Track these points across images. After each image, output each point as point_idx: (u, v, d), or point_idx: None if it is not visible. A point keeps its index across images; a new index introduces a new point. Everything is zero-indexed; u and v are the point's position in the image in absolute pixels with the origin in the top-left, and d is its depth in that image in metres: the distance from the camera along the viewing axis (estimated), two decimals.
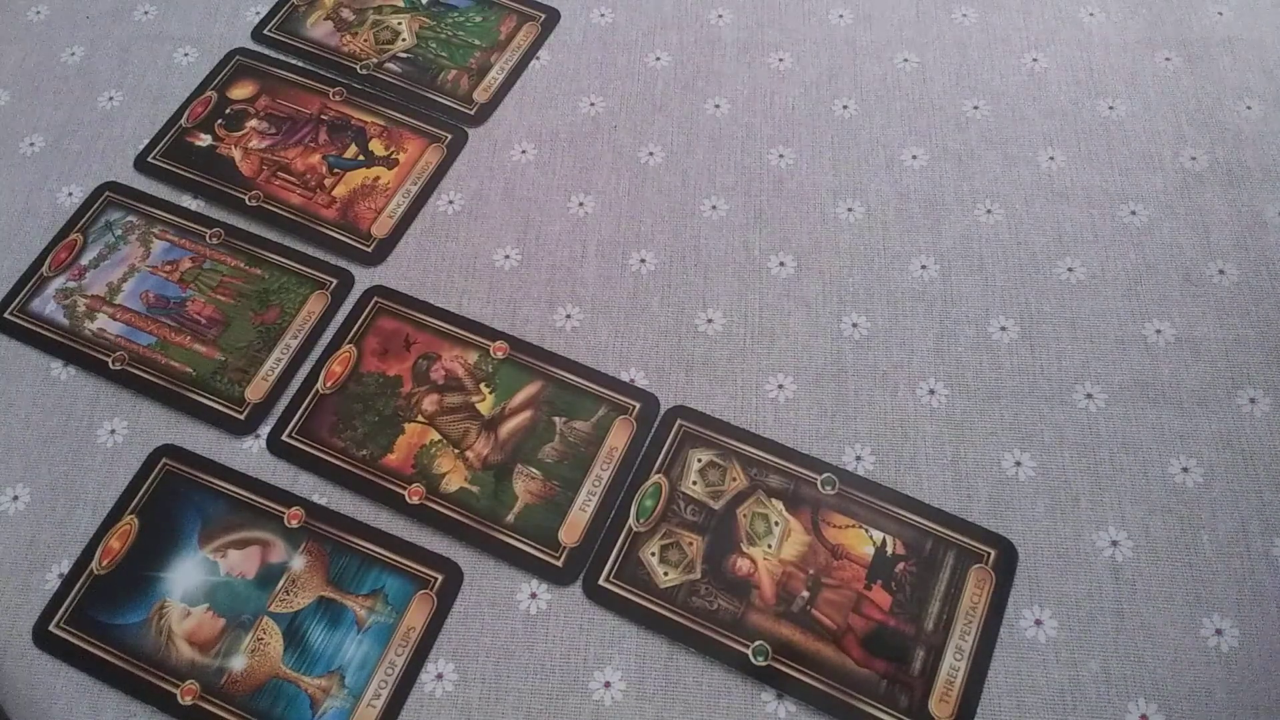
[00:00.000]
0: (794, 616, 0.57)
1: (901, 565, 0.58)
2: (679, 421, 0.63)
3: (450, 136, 0.75)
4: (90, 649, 0.57)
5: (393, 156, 0.74)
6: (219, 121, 0.76)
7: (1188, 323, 0.66)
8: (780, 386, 0.64)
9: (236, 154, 0.75)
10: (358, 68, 0.78)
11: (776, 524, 0.60)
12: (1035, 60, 0.77)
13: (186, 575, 0.59)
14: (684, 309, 0.67)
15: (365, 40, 0.80)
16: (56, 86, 0.79)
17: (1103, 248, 0.69)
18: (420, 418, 0.64)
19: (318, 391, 0.65)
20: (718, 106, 0.76)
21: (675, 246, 0.70)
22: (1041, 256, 0.69)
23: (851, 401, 0.64)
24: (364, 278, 0.69)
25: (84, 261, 0.70)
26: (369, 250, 0.70)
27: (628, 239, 0.70)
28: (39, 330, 0.68)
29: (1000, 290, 0.67)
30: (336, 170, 0.74)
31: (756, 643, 0.56)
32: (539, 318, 0.67)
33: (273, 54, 0.80)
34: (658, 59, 0.78)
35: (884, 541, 0.59)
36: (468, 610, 0.58)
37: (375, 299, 0.68)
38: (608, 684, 0.56)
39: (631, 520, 0.60)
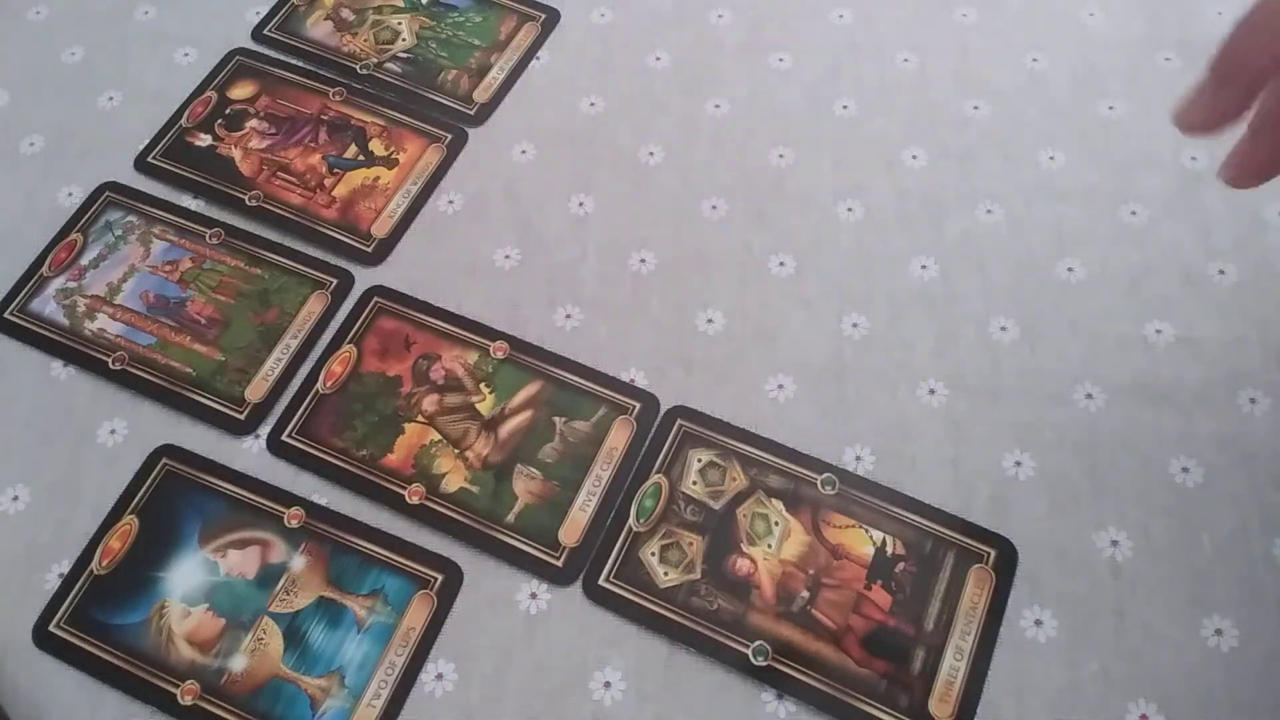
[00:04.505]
0: (794, 616, 0.57)
1: (901, 565, 0.58)
2: (679, 421, 0.63)
3: (450, 136, 0.75)
4: (90, 649, 0.57)
5: (393, 156, 0.74)
6: (219, 121, 0.76)
7: (1188, 323, 0.66)
8: (780, 386, 0.64)
9: (236, 154, 0.75)
10: (358, 68, 0.78)
11: (776, 524, 0.60)
12: (1035, 60, 0.77)
13: (186, 575, 0.59)
14: (684, 309, 0.67)
15: (365, 40, 0.80)
16: (56, 86, 0.79)
17: (1103, 248, 0.69)
18: (420, 418, 0.64)
19: (318, 391, 0.65)
20: (718, 106, 0.76)
21: (675, 246, 0.70)
22: (1041, 256, 0.69)
23: (851, 401, 0.64)
24: (364, 278, 0.69)
25: (84, 261, 0.70)
26: (369, 250, 0.70)
27: (628, 239, 0.70)
28: (39, 330, 0.68)
29: (1000, 290, 0.67)
30: (336, 170, 0.74)
31: (756, 643, 0.56)
32: (539, 318, 0.67)
33: (273, 54, 0.80)
34: (658, 59, 0.78)
35: (884, 541, 0.59)
36: (468, 610, 0.58)
37: (375, 299, 0.68)
38: (608, 684, 0.56)
39: (631, 520, 0.60)
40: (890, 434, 0.63)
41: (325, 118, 0.76)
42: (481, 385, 0.65)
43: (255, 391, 0.65)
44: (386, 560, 0.59)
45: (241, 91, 0.78)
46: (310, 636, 0.57)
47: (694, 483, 0.61)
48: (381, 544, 0.60)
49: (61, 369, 0.67)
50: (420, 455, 0.63)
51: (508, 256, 0.70)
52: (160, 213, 0.72)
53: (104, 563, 0.60)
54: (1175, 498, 0.60)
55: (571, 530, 0.60)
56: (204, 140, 0.75)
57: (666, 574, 0.59)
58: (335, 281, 0.69)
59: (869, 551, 0.59)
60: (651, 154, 0.74)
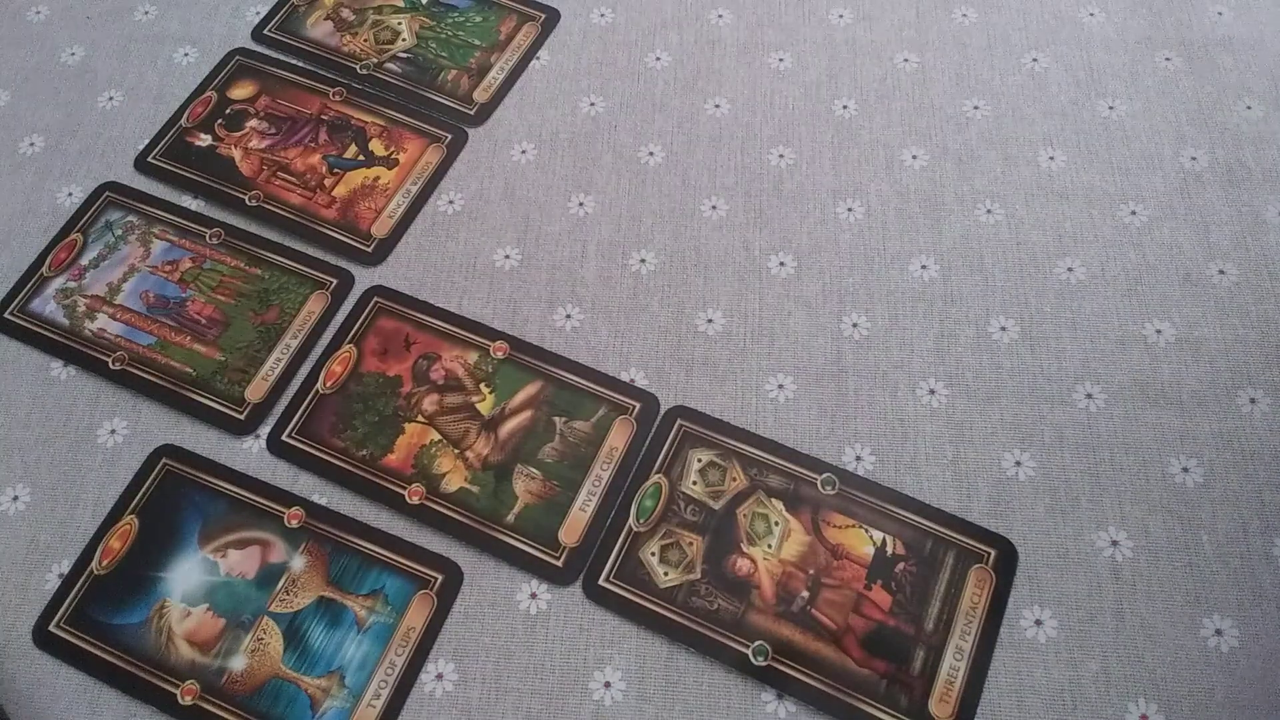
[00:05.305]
0: (794, 616, 0.57)
1: (901, 565, 0.58)
2: (679, 421, 0.63)
3: (450, 136, 0.75)
4: (90, 649, 0.57)
5: (393, 156, 0.74)
6: (219, 121, 0.76)
7: (1188, 323, 0.66)
8: (780, 386, 0.64)
9: (236, 154, 0.75)
10: (358, 68, 0.78)
11: (776, 524, 0.60)
12: (1035, 60, 0.77)
13: (186, 575, 0.59)
14: (684, 309, 0.67)
15: (365, 40, 0.80)
16: (56, 86, 0.79)
17: (1103, 248, 0.69)
18: (420, 418, 0.64)
19: (318, 391, 0.65)
20: (718, 106, 0.76)
21: (675, 246, 0.70)
22: (1041, 256, 0.69)
23: (851, 401, 0.64)
24: (364, 278, 0.69)
25: (84, 261, 0.70)
26: (369, 250, 0.70)
27: (628, 239, 0.70)
28: (39, 330, 0.68)
29: (1000, 290, 0.67)
30: (336, 170, 0.74)
31: (756, 643, 0.56)
32: (539, 318, 0.67)
33: (273, 54, 0.80)
34: (658, 59, 0.78)
35: (884, 541, 0.59)
36: (468, 610, 0.58)
37: (375, 299, 0.68)
38: (608, 684, 0.56)
39: (631, 520, 0.60)
40: (890, 434, 0.63)
41: (325, 118, 0.76)
42: (481, 385, 0.65)
43: (255, 391, 0.65)
44: (386, 560, 0.59)
45: (241, 91, 0.78)
46: (310, 636, 0.57)
47: (694, 483, 0.61)
48: (381, 544, 0.60)
49: (61, 369, 0.67)
50: (420, 455, 0.63)
51: (508, 256, 0.70)
52: (160, 213, 0.72)
53: (104, 563, 0.60)
54: (1175, 498, 0.60)
55: (571, 530, 0.60)
56: (204, 140, 0.75)
57: (666, 574, 0.59)
58: (335, 281, 0.69)
59: (869, 551, 0.59)
60: (651, 154, 0.74)
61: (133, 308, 0.68)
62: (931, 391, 0.64)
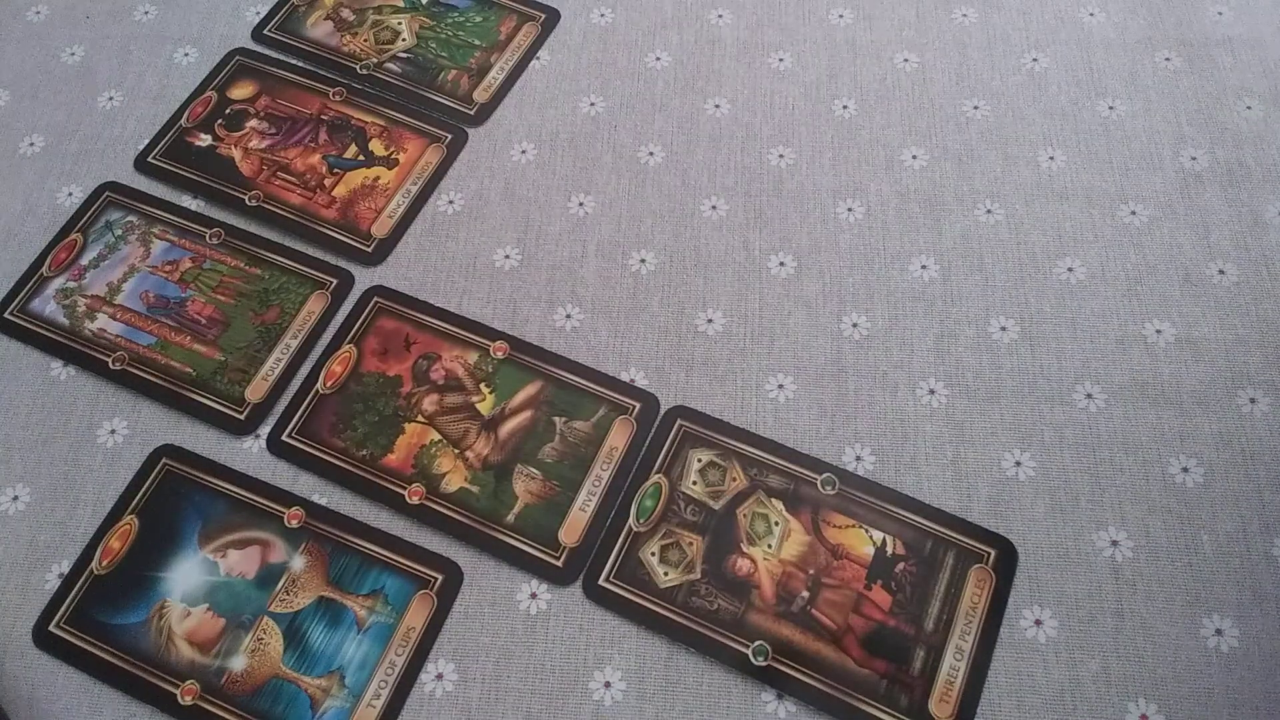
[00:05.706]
0: (794, 616, 0.57)
1: (901, 565, 0.58)
2: (679, 421, 0.63)
3: (450, 136, 0.75)
4: (90, 649, 0.57)
5: (393, 156, 0.74)
6: (219, 121, 0.76)
7: (1188, 323, 0.66)
8: (780, 386, 0.64)
9: (236, 154, 0.75)
10: (358, 68, 0.78)
11: (776, 524, 0.60)
12: (1035, 60, 0.77)
13: (186, 575, 0.59)
14: (684, 309, 0.67)
15: (365, 40, 0.80)
16: (56, 86, 0.79)
17: (1103, 248, 0.69)
18: (420, 418, 0.64)
19: (318, 391, 0.65)
20: (718, 106, 0.76)
21: (675, 246, 0.70)
22: (1041, 256, 0.69)
23: (851, 401, 0.64)
24: (364, 278, 0.69)
25: (84, 261, 0.70)
26: (369, 250, 0.70)
27: (628, 239, 0.70)
28: (39, 330, 0.68)
29: (1000, 290, 0.67)
30: (336, 170, 0.74)
31: (756, 643, 0.56)
32: (539, 318, 0.67)
33: (273, 54, 0.80)
34: (658, 59, 0.78)
35: (884, 541, 0.59)
36: (468, 610, 0.58)
37: (375, 299, 0.68)
38: (608, 684, 0.56)
39: (631, 520, 0.60)
40: (890, 434, 0.63)
41: (325, 118, 0.76)
42: (481, 385, 0.65)
43: (255, 391, 0.65)
44: (386, 560, 0.59)
45: (241, 91, 0.78)
46: (310, 636, 0.57)
47: (694, 483, 0.61)
48: (381, 544, 0.60)
49: (61, 369, 0.67)
50: (420, 455, 0.63)
51: (508, 256, 0.70)
52: (160, 213, 0.72)
53: (104, 563, 0.60)
54: (1175, 498, 0.60)
55: (571, 530, 0.60)
56: (204, 140, 0.75)
57: (666, 574, 0.59)
58: (335, 281, 0.69)
59: (869, 551, 0.59)
60: (651, 154, 0.74)
61: (133, 308, 0.68)
62: (931, 391, 0.64)
